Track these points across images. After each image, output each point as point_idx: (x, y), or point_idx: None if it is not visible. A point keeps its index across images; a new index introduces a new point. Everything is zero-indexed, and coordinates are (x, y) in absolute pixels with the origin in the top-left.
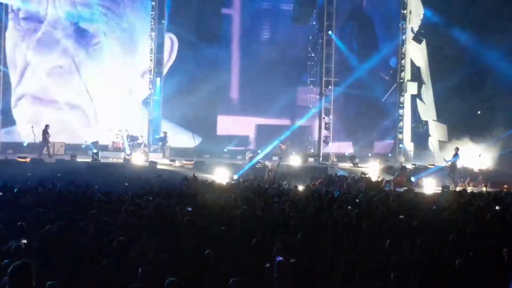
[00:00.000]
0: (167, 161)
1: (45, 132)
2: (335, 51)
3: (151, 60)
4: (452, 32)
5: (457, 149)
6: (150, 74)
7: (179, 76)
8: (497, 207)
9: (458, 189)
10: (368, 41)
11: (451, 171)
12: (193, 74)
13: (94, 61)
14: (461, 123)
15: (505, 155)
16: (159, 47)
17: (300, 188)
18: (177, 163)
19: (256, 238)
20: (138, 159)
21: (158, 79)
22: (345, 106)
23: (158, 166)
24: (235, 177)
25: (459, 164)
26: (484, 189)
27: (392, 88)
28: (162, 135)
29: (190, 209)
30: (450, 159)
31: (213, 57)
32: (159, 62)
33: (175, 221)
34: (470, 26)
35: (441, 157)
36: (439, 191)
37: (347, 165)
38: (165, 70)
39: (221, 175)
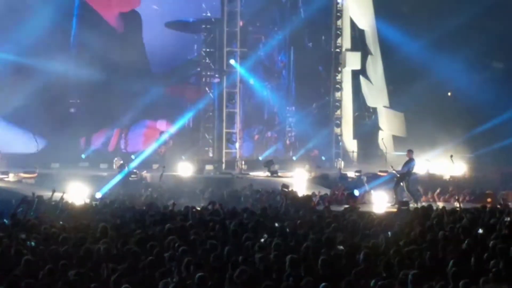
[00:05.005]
0: None
1: None
2: (243, 6)
3: None
4: None
5: (410, 152)
6: None
7: (13, 45)
8: (480, 231)
9: (422, 205)
10: None
11: (406, 184)
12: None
13: None
14: (425, 110)
15: (486, 156)
16: None
17: (195, 209)
18: (11, 177)
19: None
20: None
21: None
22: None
23: None
24: (98, 195)
25: (422, 170)
26: (456, 204)
27: None
28: None
29: (32, 243)
30: (400, 168)
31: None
32: None
33: (7, 263)
34: None
35: (399, 161)
36: (395, 210)
37: (262, 174)
38: None
39: (77, 193)
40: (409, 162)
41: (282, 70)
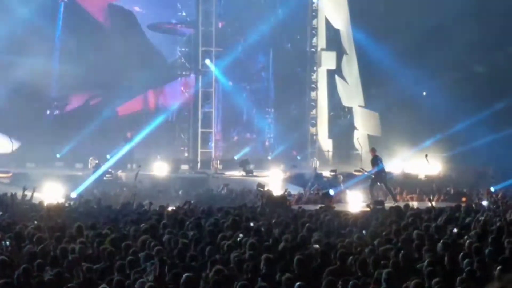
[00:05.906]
0: None
1: None
2: (219, 6)
3: None
4: None
5: (373, 150)
6: None
7: None
8: (455, 230)
9: (397, 204)
10: None
11: (384, 182)
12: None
13: None
14: (400, 109)
15: (461, 155)
16: None
17: (170, 208)
18: None
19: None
20: None
21: None
22: (233, 88)
23: None
24: (74, 195)
25: (397, 170)
26: (429, 204)
27: None
28: None
29: (7, 243)
30: (371, 168)
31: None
32: None
33: None
34: None
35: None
36: (370, 209)
37: (238, 173)
38: None
39: (52, 193)
40: (376, 160)
41: (261, 72)
